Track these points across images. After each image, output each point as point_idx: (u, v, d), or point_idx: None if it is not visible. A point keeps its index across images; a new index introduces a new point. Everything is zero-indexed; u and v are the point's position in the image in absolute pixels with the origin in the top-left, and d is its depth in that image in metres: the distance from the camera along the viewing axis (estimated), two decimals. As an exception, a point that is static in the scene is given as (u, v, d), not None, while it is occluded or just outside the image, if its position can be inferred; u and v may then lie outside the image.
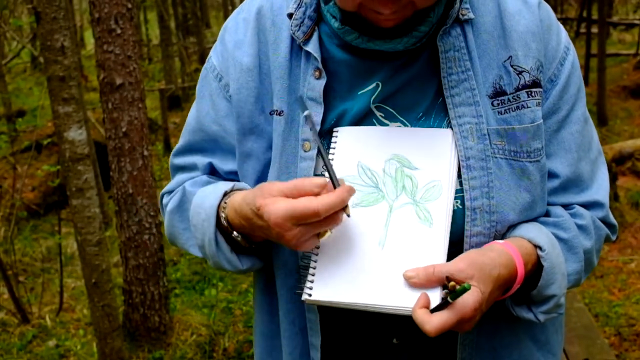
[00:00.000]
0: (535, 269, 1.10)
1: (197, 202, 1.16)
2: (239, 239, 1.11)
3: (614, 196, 5.11)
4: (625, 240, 4.76)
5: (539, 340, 1.22)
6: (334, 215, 1.00)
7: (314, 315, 1.13)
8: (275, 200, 0.99)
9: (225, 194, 1.13)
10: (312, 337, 1.15)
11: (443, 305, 0.98)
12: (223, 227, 1.12)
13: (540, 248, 1.09)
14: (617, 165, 5.82)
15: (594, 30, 9.29)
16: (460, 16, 1.11)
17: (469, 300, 0.97)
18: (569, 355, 3.33)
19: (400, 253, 1.05)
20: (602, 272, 4.39)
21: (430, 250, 1.05)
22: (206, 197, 1.15)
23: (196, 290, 4.64)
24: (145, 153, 3.52)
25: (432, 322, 0.95)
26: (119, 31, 3.34)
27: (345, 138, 1.12)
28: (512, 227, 1.13)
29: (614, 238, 1.26)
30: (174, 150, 1.33)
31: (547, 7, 1.19)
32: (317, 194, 0.99)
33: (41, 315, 4.33)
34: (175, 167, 1.32)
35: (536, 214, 1.15)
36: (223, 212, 1.11)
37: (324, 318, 1.15)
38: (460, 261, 1.02)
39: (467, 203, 1.08)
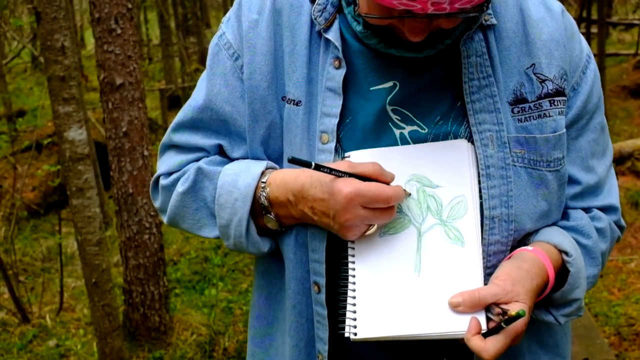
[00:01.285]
0: (559, 273, 1.10)
1: (226, 180, 1.13)
2: (272, 220, 1.11)
3: (613, 196, 5.09)
4: (625, 240, 4.76)
5: (547, 344, 1.21)
6: (392, 207, 1.03)
7: (323, 309, 1.12)
8: (347, 178, 1.02)
9: (262, 174, 1.11)
10: (319, 330, 1.14)
11: (497, 329, 0.98)
12: (257, 209, 1.11)
13: (566, 253, 1.09)
14: (617, 165, 5.82)
15: (594, 30, 9.30)
16: (483, 22, 1.09)
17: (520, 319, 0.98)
18: (569, 354, 3.33)
19: (437, 278, 1.04)
20: (602, 272, 4.39)
21: (467, 270, 1.04)
22: (239, 175, 1.12)
23: (196, 290, 4.64)
24: (146, 153, 3.52)
25: (489, 350, 0.96)
26: (119, 31, 3.35)
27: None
28: (533, 232, 1.13)
29: (621, 237, 1.28)
30: (173, 124, 1.24)
31: (569, 15, 1.17)
32: (388, 183, 1.03)
33: (41, 315, 4.33)
34: (171, 144, 1.24)
35: (551, 221, 1.15)
36: (263, 191, 1.10)
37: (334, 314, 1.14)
38: (503, 282, 1.02)
39: (486, 212, 1.07)
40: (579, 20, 9.46)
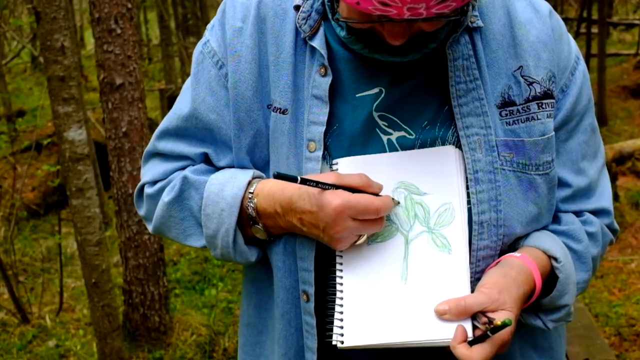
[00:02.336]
0: (548, 278, 1.09)
1: (212, 190, 1.12)
2: (260, 230, 1.10)
3: (614, 196, 5.10)
4: (626, 240, 4.76)
5: (541, 347, 1.20)
6: (382, 218, 1.03)
7: (311, 318, 1.12)
8: (336, 191, 1.01)
9: (248, 184, 1.10)
10: (307, 340, 1.13)
11: (483, 338, 0.98)
12: (244, 219, 1.11)
13: (556, 259, 1.08)
14: (617, 165, 5.81)
15: (594, 30, 9.29)
16: (470, 24, 1.07)
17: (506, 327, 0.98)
18: (569, 355, 3.32)
19: (424, 285, 1.04)
20: (602, 272, 4.39)
21: (454, 278, 1.04)
22: (225, 185, 1.11)
23: (196, 290, 4.64)
24: (145, 153, 3.52)
25: (475, 358, 0.96)
26: (119, 31, 3.34)
27: (346, 170, 1.07)
28: (523, 236, 1.12)
29: (614, 241, 1.26)
30: (157, 132, 1.23)
31: (558, 16, 1.16)
32: (376, 194, 1.03)
33: (41, 315, 4.33)
34: (156, 152, 1.23)
35: (541, 225, 1.14)
36: (250, 202, 1.09)
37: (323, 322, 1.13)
38: (489, 290, 1.01)
39: (475, 217, 1.06)
40: (580, 20, 9.47)
